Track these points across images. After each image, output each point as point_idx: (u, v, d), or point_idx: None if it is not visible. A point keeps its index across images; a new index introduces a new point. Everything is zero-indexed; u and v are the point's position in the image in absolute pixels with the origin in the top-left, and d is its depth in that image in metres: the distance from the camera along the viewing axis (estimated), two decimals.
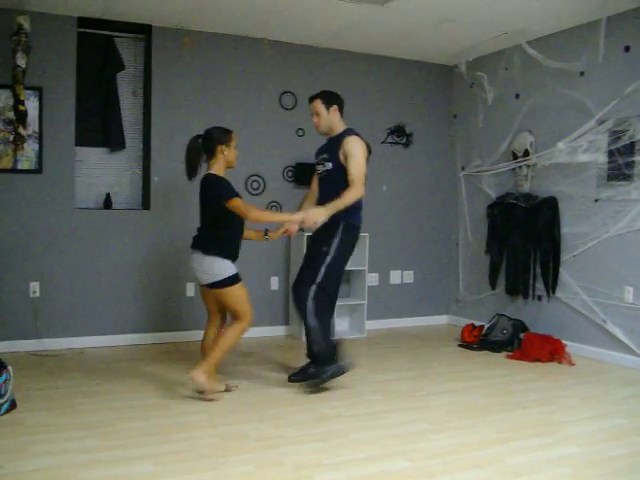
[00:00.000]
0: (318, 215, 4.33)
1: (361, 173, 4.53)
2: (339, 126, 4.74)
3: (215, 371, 4.34)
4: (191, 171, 4.40)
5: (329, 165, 4.68)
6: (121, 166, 6.24)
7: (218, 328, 4.60)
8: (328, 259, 4.56)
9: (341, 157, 4.60)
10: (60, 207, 5.76)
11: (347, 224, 4.59)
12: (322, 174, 4.77)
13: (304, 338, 4.80)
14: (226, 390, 4.43)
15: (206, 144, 4.39)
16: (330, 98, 4.74)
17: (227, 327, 4.42)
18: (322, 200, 4.62)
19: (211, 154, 4.38)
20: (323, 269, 4.56)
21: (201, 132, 4.49)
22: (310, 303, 4.54)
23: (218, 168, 4.38)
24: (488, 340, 6.12)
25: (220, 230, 4.33)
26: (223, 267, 4.26)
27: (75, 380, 4.74)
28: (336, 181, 4.59)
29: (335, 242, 4.57)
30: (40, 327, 5.67)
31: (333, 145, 4.68)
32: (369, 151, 4.77)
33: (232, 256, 4.35)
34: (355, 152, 4.55)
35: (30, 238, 5.66)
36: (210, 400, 4.24)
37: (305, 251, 4.95)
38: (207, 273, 4.28)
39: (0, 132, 5.53)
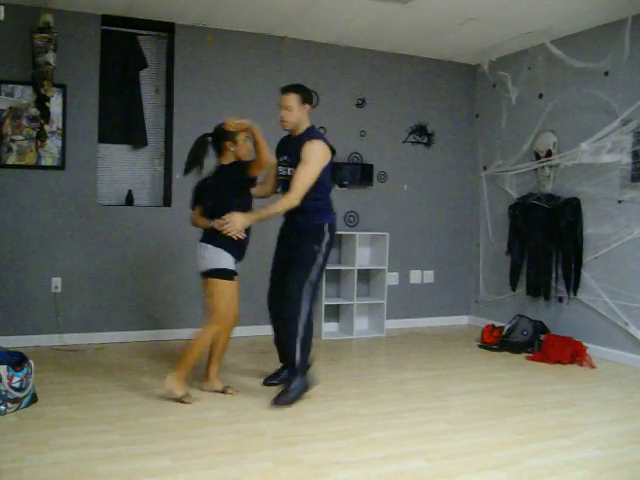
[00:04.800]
0: (242, 222, 4.11)
1: (307, 183, 4.23)
2: (304, 125, 4.43)
3: (186, 376, 4.19)
4: (189, 167, 4.26)
5: (290, 170, 4.34)
6: (143, 163, 6.27)
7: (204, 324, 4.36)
8: (320, 258, 4.32)
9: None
10: (82, 203, 5.81)
11: (331, 224, 4.40)
12: (283, 177, 4.45)
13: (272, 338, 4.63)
14: (222, 391, 4.35)
15: (214, 142, 4.35)
16: (306, 95, 4.43)
17: (201, 328, 4.28)
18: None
19: (219, 151, 4.34)
20: (315, 268, 4.30)
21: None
22: (305, 305, 4.23)
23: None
24: (508, 341, 6.08)
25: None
26: (222, 258, 4.14)
27: (95, 375, 4.77)
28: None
29: (324, 242, 4.33)
30: (61, 322, 5.72)
31: (296, 147, 4.31)
32: (333, 152, 4.44)
33: (235, 253, 4.22)
34: (312, 160, 4.25)
35: (52, 234, 5.71)
36: (187, 403, 4.09)
37: (277, 254, 4.59)
38: (206, 259, 4.16)
39: (24, 128, 5.58)
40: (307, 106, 4.42)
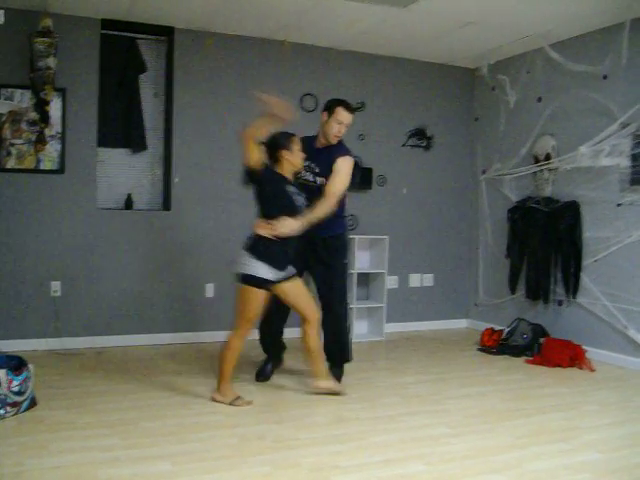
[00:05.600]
0: (295, 227, 4.19)
1: (342, 191, 4.57)
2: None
3: (228, 380, 4.29)
4: (248, 176, 4.23)
5: (321, 180, 4.60)
6: (142, 167, 6.28)
7: (301, 325, 4.52)
8: (347, 271, 4.81)
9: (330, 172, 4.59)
10: (82, 207, 5.81)
11: (347, 232, 4.89)
12: (311, 184, 4.62)
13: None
14: (234, 401, 4.32)
15: (270, 150, 4.28)
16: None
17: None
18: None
19: (275, 160, 4.28)
20: (346, 283, 4.86)
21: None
22: (346, 324, 4.93)
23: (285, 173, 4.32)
24: (508, 344, 6.08)
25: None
26: (256, 266, 4.16)
27: (95, 379, 4.77)
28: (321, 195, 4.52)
29: (347, 251, 4.89)
30: (61, 326, 5.72)
31: (328, 160, 4.58)
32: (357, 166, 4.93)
33: (275, 264, 4.21)
34: (345, 171, 4.58)
35: (52, 238, 5.72)
36: (240, 406, 4.21)
37: (313, 261, 4.73)
38: (240, 265, 4.22)
39: (23, 132, 5.59)
40: None
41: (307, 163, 4.57)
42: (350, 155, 4.65)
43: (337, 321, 4.79)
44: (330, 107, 4.63)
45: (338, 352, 4.87)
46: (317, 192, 4.53)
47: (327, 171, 4.56)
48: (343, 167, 4.55)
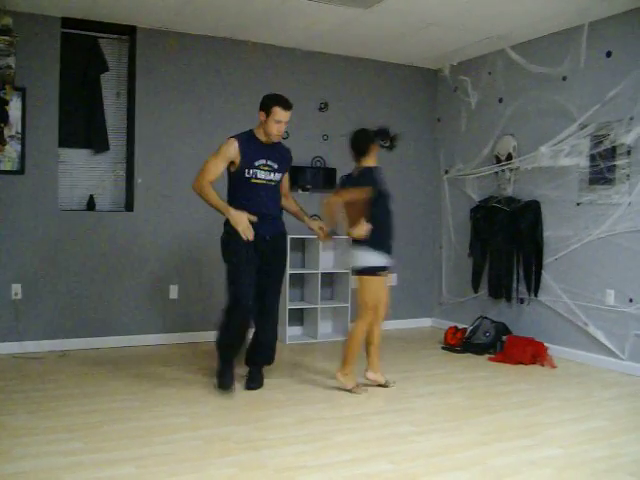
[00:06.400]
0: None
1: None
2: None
3: (352, 368, 4.63)
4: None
5: (278, 176, 4.63)
6: (105, 167, 6.21)
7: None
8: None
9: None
10: (43, 208, 5.72)
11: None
12: (268, 182, 4.57)
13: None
14: (385, 385, 4.79)
15: (360, 143, 4.67)
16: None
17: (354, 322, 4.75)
18: (268, 207, 4.59)
19: (364, 153, 4.65)
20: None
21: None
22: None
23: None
24: (471, 343, 6.14)
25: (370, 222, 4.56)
26: (369, 256, 4.53)
27: (57, 382, 4.71)
28: (277, 192, 4.71)
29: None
30: (22, 329, 5.63)
31: (283, 156, 4.71)
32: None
33: (386, 249, 4.67)
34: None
35: (12, 239, 5.62)
36: (358, 394, 4.58)
37: (260, 262, 4.61)
38: (354, 258, 4.61)
39: None
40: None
41: (262, 161, 4.53)
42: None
43: (275, 324, 4.82)
44: (266, 106, 4.50)
45: (271, 353, 4.82)
46: (274, 188, 4.63)
47: (283, 168, 4.67)
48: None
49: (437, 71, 7.39)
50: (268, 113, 4.47)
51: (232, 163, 4.48)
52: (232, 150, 4.44)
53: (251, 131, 4.60)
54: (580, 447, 3.64)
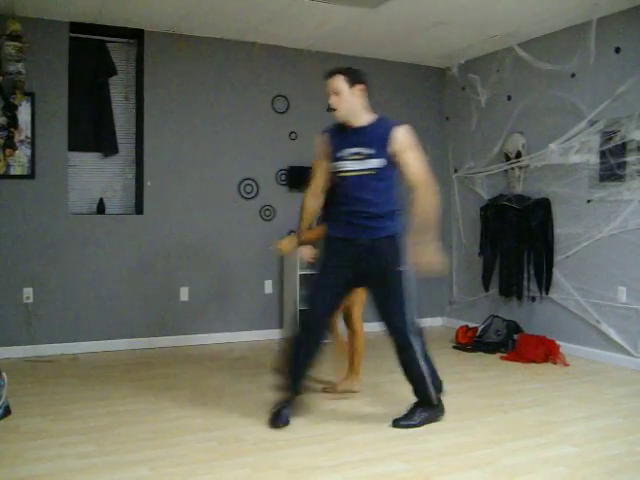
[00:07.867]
0: (436, 255, 3.99)
1: (426, 168, 3.82)
2: (367, 112, 3.88)
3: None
4: None
5: (375, 162, 3.75)
6: (114, 171, 6.23)
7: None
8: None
9: (389, 152, 3.76)
10: (53, 212, 5.75)
11: (402, 232, 3.99)
12: (360, 173, 3.77)
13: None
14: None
15: None
16: (355, 76, 3.82)
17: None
18: (361, 207, 3.82)
19: None
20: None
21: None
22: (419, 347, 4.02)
23: None
24: (482, 341, 6.13)
25: None
26: None
27: (70, 386, 4.72)
28: (385, 183, 3.84)
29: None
30: (34, 333, 5.65)
31: (373, 136, 3.77)
32: None
33: None
34: (414, 144, 3.81)
35: (23, 244, 5.64)
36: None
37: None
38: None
39: None
40: (361, 86, 3.85)
41: (354, 150, 3.79)
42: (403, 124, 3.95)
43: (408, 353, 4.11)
44: None
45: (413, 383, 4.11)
46: (373, 178, 3.82)
47: (381, 148, 3.79)
48: (410, 138, 3.91)
49: (445, 70, 7.38)
50: None
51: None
52: None
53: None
54: (594, 445, 3.62)
